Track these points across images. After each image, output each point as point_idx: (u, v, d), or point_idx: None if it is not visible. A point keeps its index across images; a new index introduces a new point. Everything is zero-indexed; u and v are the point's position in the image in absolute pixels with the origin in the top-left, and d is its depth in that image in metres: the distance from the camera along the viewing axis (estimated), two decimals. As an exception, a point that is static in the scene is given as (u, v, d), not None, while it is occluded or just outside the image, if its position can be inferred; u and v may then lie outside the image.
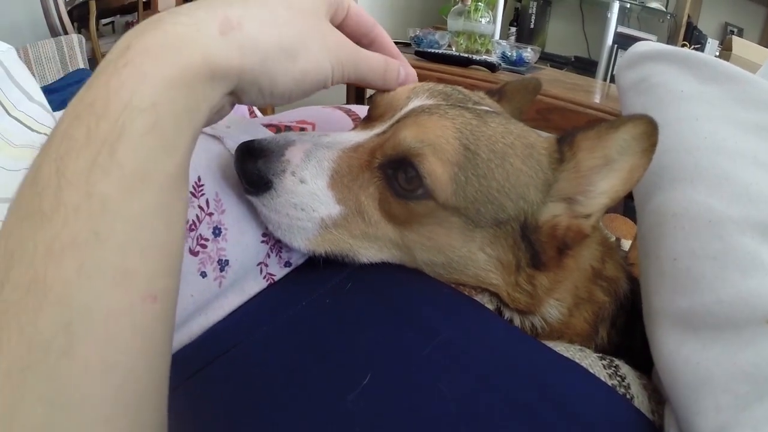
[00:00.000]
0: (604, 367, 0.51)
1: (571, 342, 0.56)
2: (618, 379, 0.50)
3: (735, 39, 2.79)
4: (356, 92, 2.25)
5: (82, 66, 1.41)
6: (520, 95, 0.75)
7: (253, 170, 0.50)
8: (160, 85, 0.32)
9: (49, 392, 0.26)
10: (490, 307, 0.55)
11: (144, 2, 2.94)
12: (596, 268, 0.59)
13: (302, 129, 0.66)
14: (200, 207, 0.52)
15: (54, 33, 2.25)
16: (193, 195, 0.52)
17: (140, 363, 0.30)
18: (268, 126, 0.64)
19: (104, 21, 3.79)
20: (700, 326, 0.46)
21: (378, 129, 0.55)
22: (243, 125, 0.62)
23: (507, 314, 0.57)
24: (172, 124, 0.33)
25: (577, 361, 0.49)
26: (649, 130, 0.49)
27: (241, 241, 0.55)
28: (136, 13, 3.17)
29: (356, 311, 0.50)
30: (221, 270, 0.53)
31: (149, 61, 0.33)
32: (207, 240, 0.52)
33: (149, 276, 0.31)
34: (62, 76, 1.33)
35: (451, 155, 0.49)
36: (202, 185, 0.53)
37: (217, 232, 0.53)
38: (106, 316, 0.29)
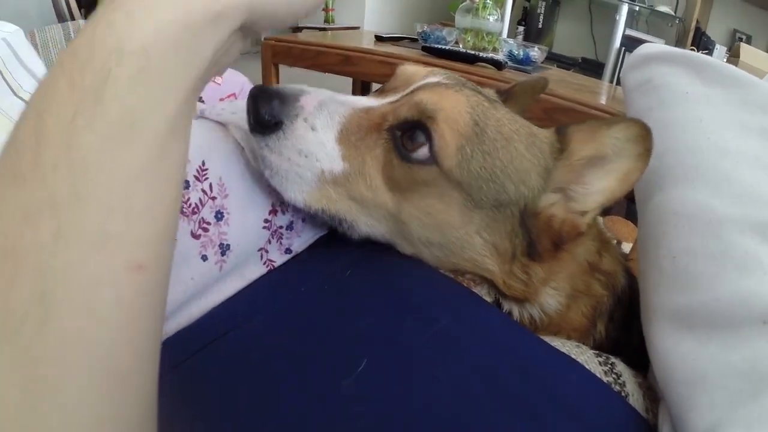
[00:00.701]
0: (600, 364, 0.51)
1: (569, 338, 0.57)
2: (614, 376, 0.50)
3: (743, 46, 2.78)
4: (362, 86, 2.24)
5: None
6: (526, 95, 0.76)
7: (266, 109, 0.49)
8: (152, 28, 0.29)
9: (24, 371, 0.24)
10: (488, 299, 0.55)
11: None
12: (593, 262, 0.59)
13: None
14: (204, 191, 0.53)
15: (61, 19, 2.25)
16: (197, 178, 0.52)
17: (123, 339, 0.27)
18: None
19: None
20: (697, 324, 0.46)
21: (391, 98, 0.56)
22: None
23: (506, 306, 0.57)
24: (167, 69, 0.29)
25: (573, 356, 0.49)
26: (642, 134, 0.49)
27: (243, 226, 0.55)
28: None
29: (355, 298, 0.50)
30: (222, 254, 0.53)
31: (142, 5, 0.29)
32: (209, 224, 0.53)
33: (135, 242, 0.28)
34: None
35: (461, 126, 0.50)
36: (206, 169, 0.54)
37: (219, 216, 0.54)
38: (85, 285, 0.26)
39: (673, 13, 3.54)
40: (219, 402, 0.42)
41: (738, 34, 3.68)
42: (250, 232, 0.56)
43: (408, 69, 0.60)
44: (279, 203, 0.58)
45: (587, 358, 0.51)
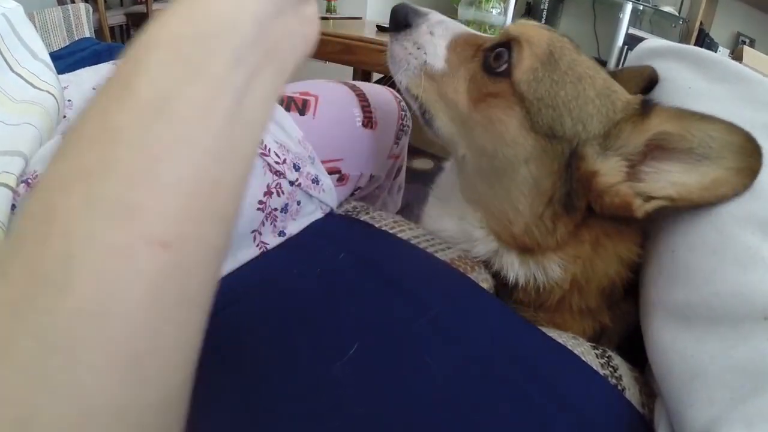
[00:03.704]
0: (597, 356, 0.50)
1: (565, 325, 0.56)
2: (610, 369, 0.49)
3: (746, 49, 2.76)
4: (362, 75, 2.24)
5: (87, 35, 1.39)
6: (631, 82, 0.74)
7: (402, 15, 0.65)
8: (185, 13, 0.30)
9: (41, 330, 0.24)
10: (485, 286, 0.54)
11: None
12: (612, 273, 0.56)
13: (305, 100, 0.65)
14: None
15: (61, 2, 2.22)
16: None
17: (141, 317, 0.26)
18: (271, 95, 0.63)
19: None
20: (696, 319, 0.45)
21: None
22: None
23: (507, 259, 0.57)
24: (197, 47, 0.29)
25: (569, 347, 0.49)
26: (748, 147, 0.46)
27: None
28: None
29: (347, 281, 0.49)
30: None
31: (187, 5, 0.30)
32: None
33: (159, 216, 0.27)
34: (67, 44, 1.31)
35: (537, 51, 0.56)
36: None
37: None
38: (106, 253, 0.25)
39: (677, 14, 3.53)
40: (205, 387, 0.41)
41: (741, 37, 3.66)
42: (244, 213, 0.55)
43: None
44: (275, 185, 0.58)
45: (584, 350, 0.50)
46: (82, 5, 1.40)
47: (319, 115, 0.65)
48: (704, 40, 3.43)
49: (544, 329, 0.51)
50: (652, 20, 3.66)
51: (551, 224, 0.54)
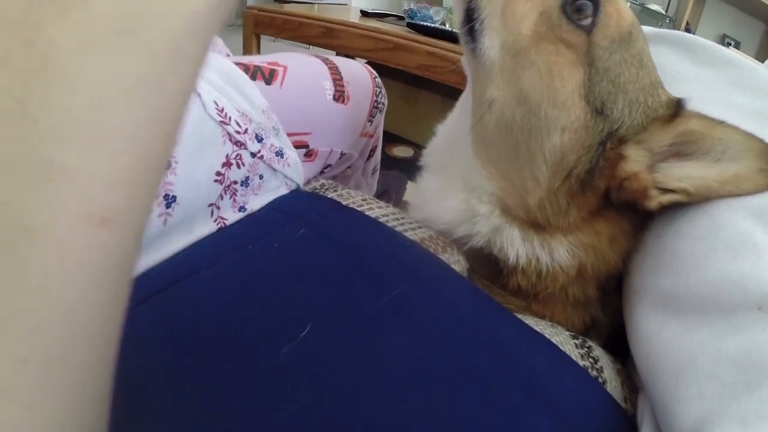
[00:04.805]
0: (577, 346, 0.46)
1: (554, 318, 0.52)
2: (590, 360, 0.46)
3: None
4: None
5: None
6: None
7: None
8: None
9: None
10: (457, 267, 0.50)
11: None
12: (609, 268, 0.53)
13: (273, 70, 0.61)
14: None
15: None
16: None
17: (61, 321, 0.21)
18: (237, 64, 0.59)
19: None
20: (684, 308, 0.42)
21: None
22: (212, 60, 0.57)
23: (508, 233, 0.52)
24: None
25: (547, 336, 0.45)
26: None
27: (191, 177, 0.51)
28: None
29: (306, 259, 0.45)
30: (167, 206, 0.49)
31: None
32: None
33: (97, 182, 0.20)
34: None
35: (623, 23, 0.52)
36: None
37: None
38: (38, 230, 0.19)
39: (663, 12, 3.55)
40: (145, 370, 0.37)
41: (727, 39, 3.69)
42: (199, 184, 0.52)
43: None
44: (234, 155, 0.53)
45: (563, 339, 0.46)
46: None
47: (287, 85, 0.61)
48: (690, 40, 3.45)
49: (521, 316, 0.47)
50: (639, 18, 3.63)
51: (564, 203, 0.51)
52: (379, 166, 0.89)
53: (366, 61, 2.20)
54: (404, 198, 1.31)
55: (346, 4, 2.78)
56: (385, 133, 0.81)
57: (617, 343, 0.52)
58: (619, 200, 0.50)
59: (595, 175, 0.50)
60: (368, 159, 0.81)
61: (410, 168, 0.65)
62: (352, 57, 2.15)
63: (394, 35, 1.63)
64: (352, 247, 0.46)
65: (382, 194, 1.15)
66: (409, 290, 0.42)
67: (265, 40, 1.96)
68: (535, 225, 0.51)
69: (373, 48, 1.63)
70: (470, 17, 0.54)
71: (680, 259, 0.44)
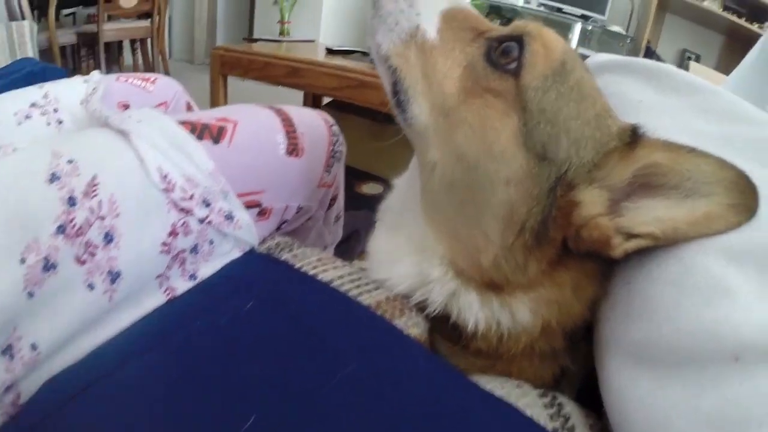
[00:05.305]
0: (545, 406, 0.44)
1: (520, 375, 0.50)
2: (561, 420, 0.43)
3: (693, 65, 2.85)
4: (313, 100, 2.21)
5: (30, 55, 1.30)
6: None
7: None
8: None
9: None
10: (415, 331, 0.48)
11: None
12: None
13: (221, 127, 0.59)
14: (91, 209, 0.47)
15: (12, 17, 2.13)
16: (85, 195, 0.47)
17: None
18: (183, 123, 0.57)
19: (65, 11, 3.67)
20: (657, 361, 0.40)
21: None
22: (156, 121, 0.55)
23: (465, 298, 0.49)
24: None
25: (513, 400, 0.43)
26: (742, 184, 0.42)
27: (136, 250, 0.49)
28: (97, 6, 3.07)
29: (254, 336, 0.43)
30: (112, 282, 0.48)
31: None
32: (96, 247, 0.47)
33: None
34: (8, 63, 1.21)
35: (552, 56, 0.50)
36: (97, 184, 0.48)
37: (108, 238, 0.48)
38: None
39: (624, 33, 3.63)
40: None
41: (687, 53, 3.78)
42: (145, 257, 0.50)
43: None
44: (180, 224, 0.51)
45: (530, 400, 0.44)
46: (26, 23, 1.32)
47: (236, 143, 0.58)
48: (651, 58, 3.52)
49: (484, 378, 0.45)
50: (601, 39, 3.76)
51: (521, 258, 0.48)
52: (342, 213, 0.87)
53: (331, 99, 2.20)
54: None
55: (313, 41, 2.80)
56: (354, 171, 0.80)
57: (592, 390, 0.49)
58: (579, 250, 0.47)
59: (549, 226, 0.47)
60: (329, 208, 0.78)
61: (380, 205, 0.63)
62: (318, 95, 2.16)
63: (359, 72, 1.64)
64: (301, 319, 0.44)
65: (351, 234, 1.12)
66: (357, 368, 0.39)
67: (233, 80, 1.96)
68: (493, 286, 0.49)
69: (338, 86, 1.64)
70: (395, 89, 0.53)
71: (651, 306, 0.42)
